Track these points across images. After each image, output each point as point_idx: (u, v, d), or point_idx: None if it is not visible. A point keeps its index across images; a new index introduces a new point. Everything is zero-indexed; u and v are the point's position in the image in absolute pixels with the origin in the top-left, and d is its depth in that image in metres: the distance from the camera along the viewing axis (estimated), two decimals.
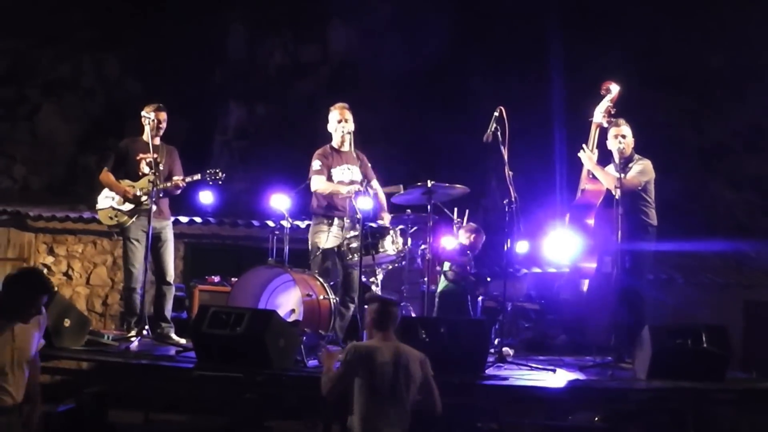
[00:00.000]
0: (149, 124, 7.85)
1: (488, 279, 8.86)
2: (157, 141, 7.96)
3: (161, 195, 7.86)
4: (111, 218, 7.98)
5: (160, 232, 7.95)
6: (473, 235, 8.89)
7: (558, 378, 6.53)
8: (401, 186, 7.85)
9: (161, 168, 7.84)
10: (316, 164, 7.83)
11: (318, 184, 7.78)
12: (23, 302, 4.73)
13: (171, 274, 8.03)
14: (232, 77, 16.49)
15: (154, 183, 7.68)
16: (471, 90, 15.01)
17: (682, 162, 13.93)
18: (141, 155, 7.95)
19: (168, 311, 7.97)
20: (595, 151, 7.83)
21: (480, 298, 9.15)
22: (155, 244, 7.90)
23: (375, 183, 7.97)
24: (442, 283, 8.65)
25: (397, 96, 15.27)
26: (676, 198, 13.05)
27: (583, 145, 7.80)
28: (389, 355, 5.14)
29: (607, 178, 7.56)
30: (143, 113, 7.92)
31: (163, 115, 7.97)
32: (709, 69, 14.81)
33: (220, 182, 7.91)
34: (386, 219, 7.89)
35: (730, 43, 14.63)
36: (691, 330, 6.44)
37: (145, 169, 7.90)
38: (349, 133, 7.82)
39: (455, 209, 9.13)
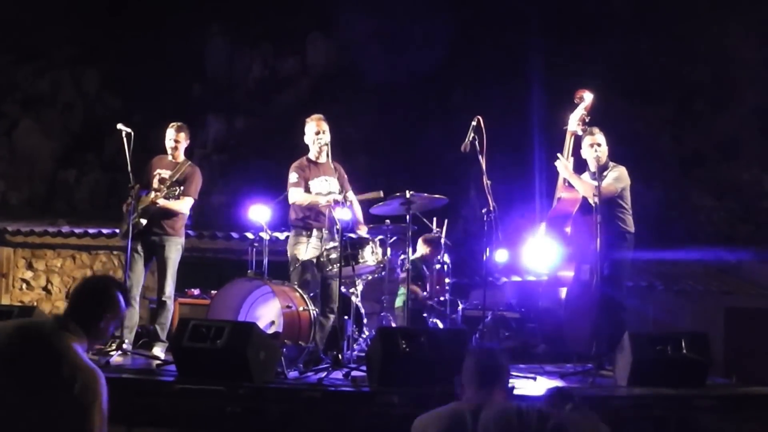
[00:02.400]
0: (169, 141, 8.14)
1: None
2: (181, 158, 8.14)
3: (140, 212, 7.83)
4: (120, 229, 8.18)
5: (162, 247, 7.99)
6: (429, 248, 9.03)
7: (539, 385, 6.51)
8: (380, 192, 7.82)
9: (167, 184, 7.91)
10: (292, 177, 7.81)
11: (296, 196, 7.76)
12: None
13: (167, 292, 7.99)
14: (211, 91, 16.49)
15: (153, 200, 7.81)
16: (451, 101, 15.07)
17: (662, 171, 14.00)
18: (158, 170, 8.10)
19: (162, 327, 7.94)
20: (571, 159, 7.86)
21: (460, 308, 9.16)
22: (158, 260, 8.02)
23: (350, 194, 7.94)
24: (401, 296, 8.74)
25: (377, 108, 15.29)
26: (657, 207, 13.12)
27: (558, 154, 7.82)
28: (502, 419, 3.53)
29: (584, 186, 7.58)
30: (168, 131, 8.21)
31: (173, 133, 8.17)
32: (688, 79, 14.92)
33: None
34: (363, 231, 7.87)
35: (708, 54, 14.76)
36: (672, 337, 6.45)
37: (156, 184, 8.00)
38: (326, 144, 7.81)
39: (434, 219, 9.14)
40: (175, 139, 8.16)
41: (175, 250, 8.07)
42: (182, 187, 8.01)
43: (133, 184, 7.74)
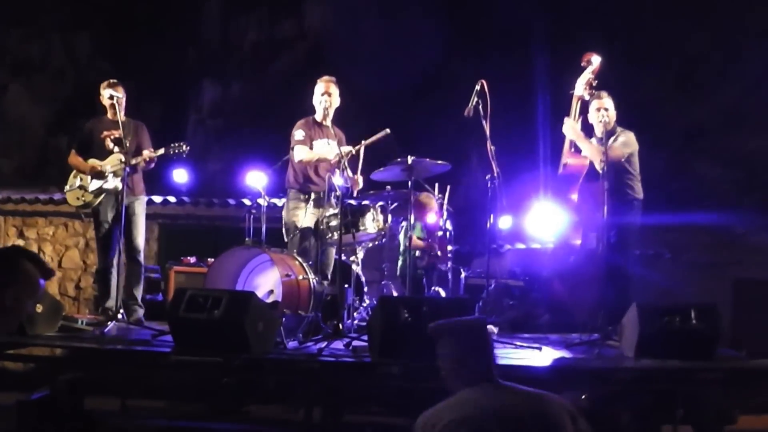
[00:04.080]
0: (108, 101, 7.85)
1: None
2: (122, 117, 7.86)
3: (128, 171, 7.69)
4: (78, 198, 7.97)
5: (127, 207, 7.82)
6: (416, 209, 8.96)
7: (544, 356, 6.49)
8: (387, 130, 7.71)
9: (127, 144, 7.73)
10: (298, 134, 7.76)
11: (302, 153, 7.71)
12: None
13: (139, 248, 7.92)
14: (206, 55, 16.35)
15: (126, 161, 7.59)
16: (452, 66, 14.92)
17: (666, 140, 13.90)
18: (105, 133, 7.95)
19: (137, 291, 7.89)
20: (578, 120, 7.77)
21: (463, 276, 9.12)
22: (125, 220, 7.82)
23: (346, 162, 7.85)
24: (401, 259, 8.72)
25: (376, 73, 15.15)
26: (662, 177, 13.02)
27: (566, 117, 7.73)
28: (501, 415, 3.29)
29: (591, 149, 7.51)
30: (101, 92, 7.92)
31: (120, 90, 7.94)
32: (692, 47, 14.79)
33: (184, 155, 7.86)
34: (359, 182, 7.80)
35: (712, 22, 14.60)
36: (680, 308, 6.34)
37: (111, 146, 7.87)
38: (331, 107, 7.82)
39: (436, 185, 9.07)
40: (119, 96, 7.90)
41: (142, 208, 8.06)
42: (141, 146, 7.94)
43: (125, 149, 7.63)
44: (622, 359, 6.42)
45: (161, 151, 7.84)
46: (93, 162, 7.85)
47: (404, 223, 8.79)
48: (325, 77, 7.93)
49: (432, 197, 8.86)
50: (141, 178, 8.08)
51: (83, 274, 12.02)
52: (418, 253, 8.83)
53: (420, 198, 8.81)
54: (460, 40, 15.16)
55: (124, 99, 7.99)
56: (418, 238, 8.92)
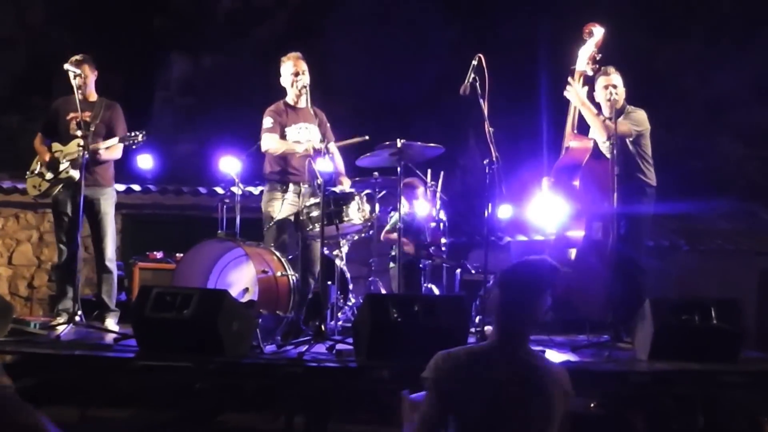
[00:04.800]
0: (75, 78, 7.74)
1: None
2: (93, 97, 7.86)
3: (87, 159, 7.57)
4: (35, 187, 7.91)
5: (93, 201, 7.82)
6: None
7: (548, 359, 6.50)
8: (366, 136, 7.76)
9: (92, 128, 7.67)
10: (267, 122, 7.77)
11: (269, 143, 7.72)
12: None
13: (109, 255, 7.91)
14: (175, 25, 16.29)
15: (84, 147, 7.53)
16: (449, 36, 14.92)
17: (686, 116, 13.93)
18: (71, 114, 7.85)
19: (108, 295, 7.89)
20: (584, 88, 7.79)
21: (458, 271, 9.17)
22: (90, 218, 7.83)
23: (332, 146, 7.88)
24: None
25: (364, 44, 15.15)
26: (680, 156, 13.06)
27: (569, 79, 7.76)
28: (505, 371, 3.62)
29: (597, 120, 7.51)
30: (66, 67, 7.79)
31: (84, 68, 7.89)
32: (715, 11, 14.78)
33: (134, 147, 7.79)
34: (346, 184, 7.85)
35: None
36: (699, 304, 6.39)
37: (75, 130, 7.79)
38: (305, 87, 7.72)
39: (428, 171, 9.10)
40: (83, 73, 7.86)
41: (111, 204, 7.98)
42: (111, 130, 7.88)
43: (85, 133, 7.61)
44: (635, 362, 6.46)
45: (112, 141, 7.72)
46: (56, 149, 7.81)
47: (393, 214, 8.83)
48: (291, 54, 7.86)
49: (417, 181, 8.88)
50: (109, 168, 8.00)
51: (37, 272, 11.96)
52: (394, 247, 8.87)
53: (412, 182, 8.87)
54: (459, 9, 15.16)
55: (92, 78, 7.93)
56: (387, 231, 8.95)
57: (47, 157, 7.81)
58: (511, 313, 3.66)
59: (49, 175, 7.79)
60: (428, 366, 3.67)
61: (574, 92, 7.70)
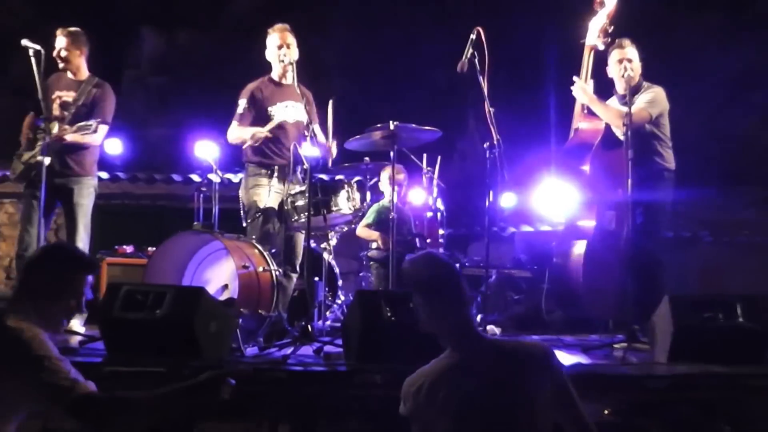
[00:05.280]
0: (34, 56, 7.59)
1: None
2: (83, 75, 7.86)
3: (48, 142, 7.49)
4: (14, 170, 7.93)
5: (66, 191, 7.77)
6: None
7: None
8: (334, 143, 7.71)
9: (72, 110, 7.68)
10: (240, 105, 7.75)
11: (230, 133, 7.72)
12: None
13: (80, 247, 7.84)
14: None
15: (46, 130, 7.49)
16: (445, 10, 14.88)
17: (708, 93, 13.88)
18: (57, 93, 7.85)
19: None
20: (590, 81, 7.77)
21: (457, 265, 9.12)
22: (64, 208, 7.83)
23: (317, 128, 7.83)
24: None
25: (354, 18, 15.10)
26: (702, 138, 12.99)
27: (575, 77, 7.73)
28: (477, 369, 3.72)
29: (609, 113, 7.52)
30: (23, 43, 7.68)
31: (61, 41, 7.87)
32: None
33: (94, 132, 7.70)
34: (333, 147, 7.78)
35: None
36: (723, 301, 6.32)
37: (57, 111, 7.78)
38: (292, 63, 7.65)
39: (424, 156, 9.06)
40: (64, 48, 7.84)
41: (86, 194, 7.88)
42: (92, 113, 7.78)
43: (46, 116, 7.54)
44: (653, 365, 6.41)
45: (71, 129, 7.62)
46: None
47: (375, 206, 8.81)
48: (278, 26, 7.80)
49: (400, 170, 8.81)
50: (88, 156, 7.88)
51: None
52: (374, 245, 8.81)
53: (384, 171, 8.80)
54: None
55: (77, 54, 7.89)
56: (368, 225, 8.88)
57: (25, 138, 7.80)
58: (446, 313, 3.79)
59: (25, 157, 7.74)
60: (401, 399, 3.81)
61: (580, 89, 7.69)
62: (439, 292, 3.80)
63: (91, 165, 7.96)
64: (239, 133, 7.65)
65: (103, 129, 7.79)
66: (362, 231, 8.88)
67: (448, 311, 3.78)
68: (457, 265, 9.05)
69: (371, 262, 8.85)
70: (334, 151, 7.80)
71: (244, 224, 7.72)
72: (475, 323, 3.86)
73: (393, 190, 7.63)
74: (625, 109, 7.12)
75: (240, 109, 7.70)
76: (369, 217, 8.84)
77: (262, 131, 7.56)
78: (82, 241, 7.84)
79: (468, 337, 3.76)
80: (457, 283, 3.82)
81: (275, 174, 7.69)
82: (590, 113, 7.75)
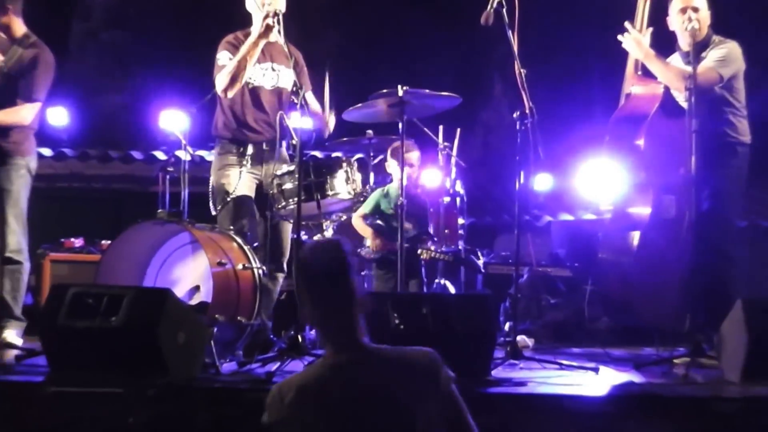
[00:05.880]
0: None
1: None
2: (19, 32, 7.76)
3: None
4: None
5: None
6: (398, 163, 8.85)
7: (602, 381, 6.49)
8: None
9: None
10: (222, 57, 7.67)
11: (219, 78, 7.60)
12: None
13: (12, 243, 7.77)
14: None
15: None
16: None
17: None
18: None
19: (13, 296, 7.76)
20: (647, 32, 7.75)
21: (481, 262, 9.12)
22: None
23: (310, 96, 7.85)
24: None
25: None
26: None
27: (627, 24, 7.68)
28: (353, 379, 3.88)
29: (670, 73, 7.49)
30: None
31: None
32: None
33: None
34: (331, 120, 7.80)
35: None
36: None
37: None
38: (278, 14, 7.62)
39: (440, 128, 9.04)
40: None
41: (16, 178, 7.77)
42: (22, 82, 7.72)
43: None
44: (722, 384, 6.38)
45: None
46: None
47: (378, 190, 8.79)
48: None
49: (409, 144, 8.78)
50: (14, 133, 7.78)
51: None
52: (368, 243, 8.79)
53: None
54: None
55: (6, 9, 7.85)
56: (364, 216, 8.84)
57: None
58: (329, 311, 3.92)
59: None
60: (265, 407, 3.93)
61: (634, 41, 7.63)
62: (326, 286, 3.92)
63: (25, 143, 7.86)
64: (227, 69, 7.55)
65: (33, 107, 7.69)
66: (356, 222, 8.85)
67: (332, 310, 3.90)
68: (480, 263, 9.08)
69: (372, 264, 8.85)
70: (332, 123, 7.81)
71: (213, 212, 7.73)
72: (360, 328, 3.93)
73: (402, 171, 7.60)
74: (689, 68, 7.08)
75: (223, 61, 7.63)
76: (368, 204, 8.79)
77: (253, 35, 7.49)
78: (14, 235, 7.72)
79: (348, 343, 3.89)
80: (348, 281, 3.93)
81: (248, 153, 7.68)
82: (646, 74, 7.72)
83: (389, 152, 8.89)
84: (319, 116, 7.69)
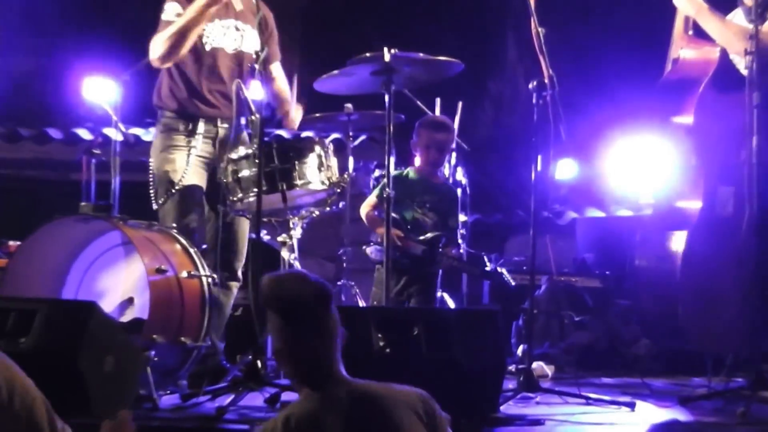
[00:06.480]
0: None
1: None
2: None
3: None
4: None
5: None
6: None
7: (639, 419, 6.47)
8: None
9: None
10: (169, 10, 7.66)
11: (155, 44, 7.59)
12: None
13: None
14: None
15: None
16: None
17: None
18: None
19: None
20: None
21: (488, 268, 9.12)
22: None
23: (277, 67, 7.96)
24: None
25: None
26: None
27: None
28: (332, 422, 4.04)
29: (728, 32, 7.51)
30: None
31: None
32: None
33: None
34: (296, 115, 7.87)
35: None
36: None
37: None
38: None
39: (437, 101, 9.04)
40: None
41: None
42: None
43: None
44: None
45: None
46: None
47: (379, 173, 8.77)
48: None
49: (446, 123, 8.80)
50: None
51: None
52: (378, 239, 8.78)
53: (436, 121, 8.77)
54: None
55: None
56: (375, 205, 8.81)
57: None
58: (310, 345, 4.06)
59: None
60: None
61: None
62: (307, 319, 4.07)
63: None
64: (164, 35, 7.53)
65: None
66: (365, 212, 8.78)
67: (313, 344, 4.05)
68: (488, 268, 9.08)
69: (377, 265, 8.80)
70: (298, 118, 7.88)
71: (155, 206, 7.71)
72: (337, 361, 4.11)
73: (387, 159, 7.58)
74: (752, 26, 7.09)
75: (168, 16, 7.62)
76: (378, 192, 8.72)
77: (198, 25, 7.49)
78: None
79: (326, 379, 4.06)
80: (332, 312, 4.12)
81: (200, 130, 7.67)
82: (698, 34, 7.72)
83: (418, 125, 8.90)
84: (284, 101, 7.71)
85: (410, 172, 8.80)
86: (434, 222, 8.58)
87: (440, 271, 8.79)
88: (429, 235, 8.48)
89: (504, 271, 8.85)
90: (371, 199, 8.78)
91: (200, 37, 7.64)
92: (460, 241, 8.92)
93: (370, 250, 8.77)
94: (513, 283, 8.83)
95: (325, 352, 4.06)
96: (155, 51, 7.58)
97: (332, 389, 4.02)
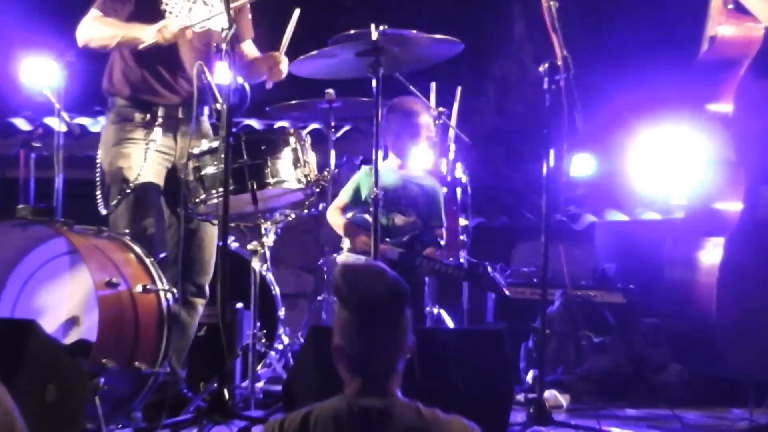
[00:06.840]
0: None
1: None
2: None
3: None
4: None
5: None
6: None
7: None
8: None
9: None
10: (95, 13, 7.61)
11: (82, 29, 7.56)
12: None
13: None
14: None
15: None
16: None
17: None
18: None
19: None
20: None
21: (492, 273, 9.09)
22: None
23: (249, 45, 7.97)
24: None
25: None
26: None
27: None
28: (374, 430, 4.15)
29: None
30: None
31: None
32: None
33: None
34: (283, 64, 7.73)
35: None
36: None
37: None
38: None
39: (432, 86, 9.00)
40: None
41: None
42: None
43: None
44: None
45: None
46: None
47: (366, 169, 8.71)
48: None
49: (415, 103, 8.73)
50: None
51: None
52: (345, 247, 8.71)
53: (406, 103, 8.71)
54: None
55: None
56: (343, 207, 8.76)
57: None
58: (370, 348, 4.09)
59: None
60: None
61: None
62: (380, 318, 4.10)
63: None
64: (99, 30, 7.52)
65: None
66: (332, 216, 8.74)
67: (377, 347, 4.09)
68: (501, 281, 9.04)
69: None
70: (284, 67, 7.76)
71: (104, 210, 7.62)
72: (397, 375, 4.13)
73: (375, 153, 7.53)
74: None
75: (94, 15, 7.56)
76: (347, 191, 8.67)
77: (150, 32, 7.36)
78: None
79: (380, 388, 4.08)
80: (404, 317, 4.14)
81: (159, 120, 7.60)
82: (738, 8, 7.69)
83: (386, 111, 8.79)
84: (265, 60, 7.66)
85: (388, 165, 8.73)
86: (413, 222, 8.53)
87: (426, 280, 8.76)
88: (406, 237, 8.43)
89: (497, 274, 8.84)
90: (341, 199, 8.69)
91: (161, 11, 7.58)
92: (463, 238, 8.91)
93: (340, 260, 8.71)
94: (504, 285, 8.82)
95: (385, 357, 4.09)
96: (81, 37, 7.57)
97: (371, 401, 4.03)
